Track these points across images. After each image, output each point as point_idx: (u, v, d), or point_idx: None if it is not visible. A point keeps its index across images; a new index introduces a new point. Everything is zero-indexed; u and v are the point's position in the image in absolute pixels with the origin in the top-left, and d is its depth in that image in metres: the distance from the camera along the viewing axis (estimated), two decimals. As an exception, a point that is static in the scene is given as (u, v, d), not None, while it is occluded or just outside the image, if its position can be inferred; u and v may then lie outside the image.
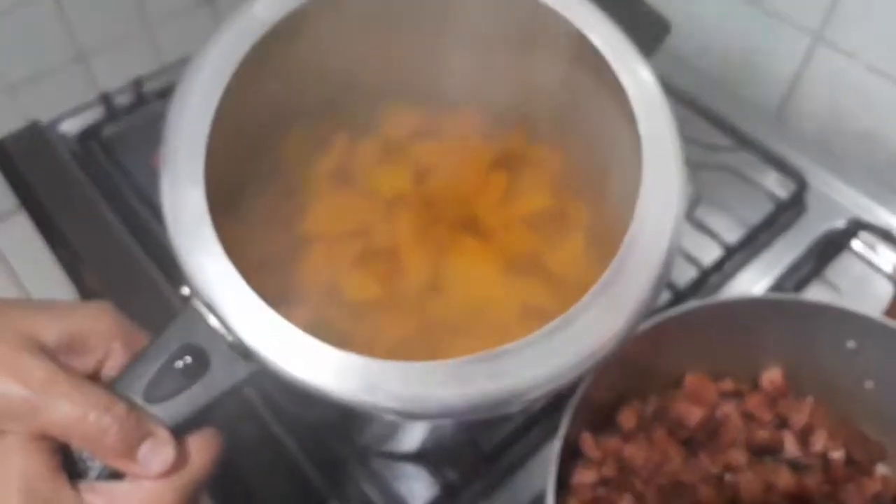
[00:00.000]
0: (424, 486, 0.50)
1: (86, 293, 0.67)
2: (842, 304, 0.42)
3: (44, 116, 0.67)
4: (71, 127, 0.68)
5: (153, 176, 0.65)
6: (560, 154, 0.44)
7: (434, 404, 0.30)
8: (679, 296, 0.59)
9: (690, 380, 0.46)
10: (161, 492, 0.28)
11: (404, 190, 0.44)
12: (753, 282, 0.62)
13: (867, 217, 0.66)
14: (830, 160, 0.71)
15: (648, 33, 0.40)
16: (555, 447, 0.39)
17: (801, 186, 0.67)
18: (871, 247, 0.65)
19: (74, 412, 0.26)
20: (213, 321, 0.29)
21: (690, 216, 0.65)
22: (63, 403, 0.26)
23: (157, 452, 0.28)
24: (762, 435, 0.45)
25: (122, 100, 0.69)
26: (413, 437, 0.45)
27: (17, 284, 0.98)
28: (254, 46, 0.35)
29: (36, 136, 0.66)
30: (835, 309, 0.42)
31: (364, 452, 0.50)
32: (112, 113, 0.68)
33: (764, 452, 0.46)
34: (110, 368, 0.30)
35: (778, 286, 0.61)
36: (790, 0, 0.71)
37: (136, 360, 0.30)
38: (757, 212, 0.66)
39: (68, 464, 0.28)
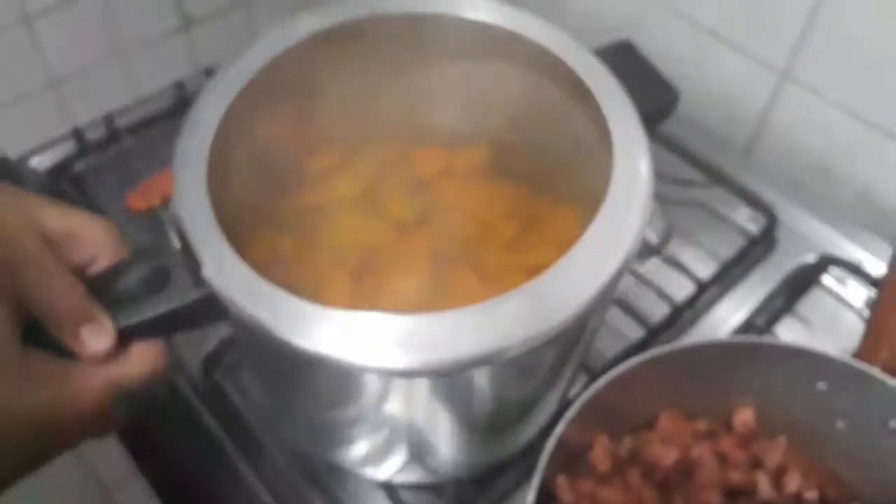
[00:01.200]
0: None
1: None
2: (812, 347, 0.42)
3: (13, 151, 0.67)
4: (41, 162, 0.67)
5: (126, 214, 0.65)
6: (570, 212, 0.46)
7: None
8: (652, 332, 0.59)
9: (664, 420, 0.46)
10: (91, 375, 0.32)
11: (416, 219, 0.47)
12: (726, 317, 0.63)
13: (837, 252, 0.67)
14: (800, 196, 0.72)
15: (660, 101, 0.41)
16: (530, 496, 0.39)
17: (772, 222, 0.68)
18: (842, 281, 0.66)
19: (42, 279, 0.32)
20: (177, 244, 0.34)
21: (662, 251, 0.66)
22: (37, 270, 0.31)
23: (96, 336, 0.32)
24: (736, 476, 0.45)
25: (94, 135, 0.68)
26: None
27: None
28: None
29: (5, 171, 0.65)
30: (805, 351, 0.42)
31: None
32: (83, 148, 0.67)
33: (738, 493, 0.46)
34: (91, 273, 0.35)
35: (750, 321, 0.61)
36: (758, 38, 0.72)
37: (110, 268, 0.35)
38: (728, 247, 0.67)
39: (33, 333, 0.32)
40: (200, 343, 0.56)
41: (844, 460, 0.46)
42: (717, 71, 0.77)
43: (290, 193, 0.46)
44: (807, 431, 0.46)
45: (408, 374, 0.33)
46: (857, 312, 0.63)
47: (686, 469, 0.46)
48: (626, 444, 0.47)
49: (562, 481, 0.44)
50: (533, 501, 0.38)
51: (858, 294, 0.64)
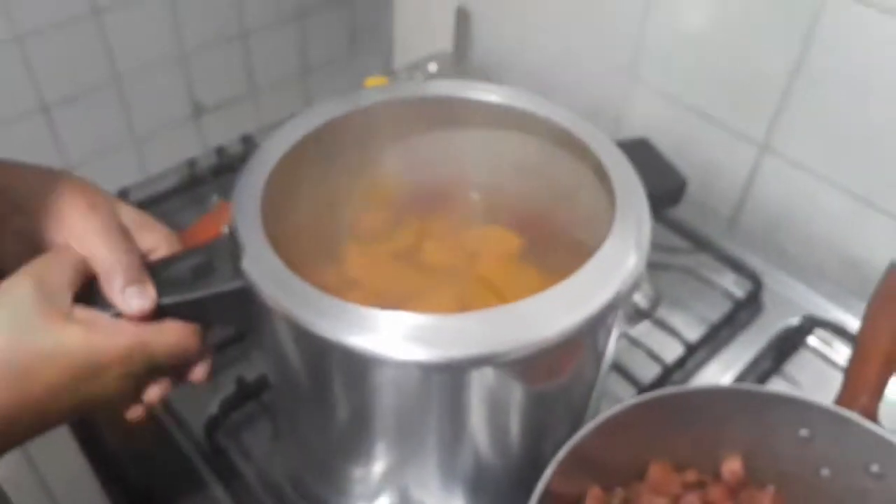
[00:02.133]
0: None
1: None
2: (792, 393, 0.44)
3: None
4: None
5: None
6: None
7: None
8: (643, 391, 0.60)
9: (654, 470, 0.47)
10: (124, 328, 0.37)
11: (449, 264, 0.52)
12: (715, 378, 0.64)
13: (822, 314, 0.69)
14: (784, 261, 0.75)
15: (670, 186, 0.45)
16: None
17: (757, 286, 0.71)
18: (827, 342, 0.67)
19: (110, 241, 0.39)
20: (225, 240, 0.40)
21: (652, 315, 0.68)
22: (107, 234, 0.39)
23: (139, 296, 0.38)
24: (725, 526, 0.46)
25: (139, 194, 0.72)
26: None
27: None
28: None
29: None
30: (788, 398, 0.44)
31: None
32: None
33: (729, 544, 0.46)
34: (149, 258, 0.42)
35: (740, 381, 0.63)
36: (737, 112, 0.77)
37: (165, 257, 0.41)
38: (716, 311, 0.69)
39: (84, 291, 0.38)
40: (204, 406, 0.58)
41: (831, 507, 0.47)
42: (701, 145, 0.81)
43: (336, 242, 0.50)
44: (794, 481, 0.47)
45: (409, 365, 0.36)
46: (843, 371, 0.64)
47: (678, 520, 0.47)
48: (618, 494, 0.48)
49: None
50: None
51: (844, 354, 0.66)
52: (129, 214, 0.42)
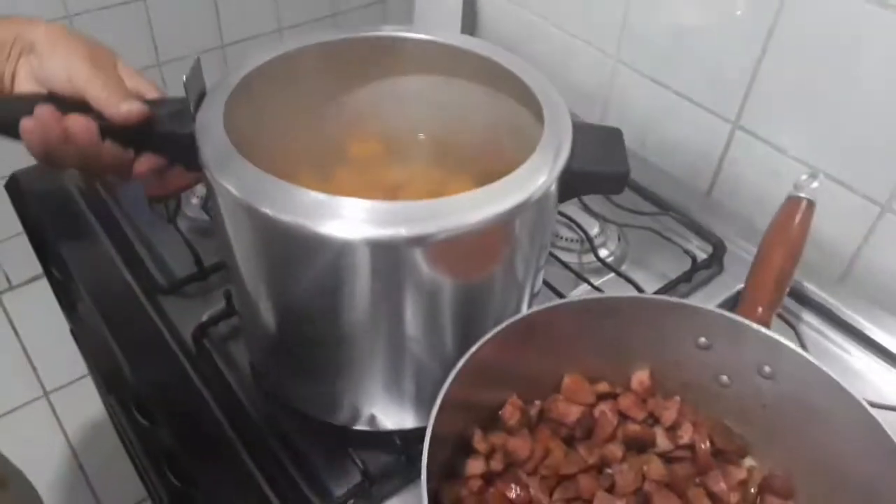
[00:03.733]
0: (346, 476, 0.56)
1: (73, 311, 0.75)
2: (689, 302, 0.48)
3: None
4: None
5: (147, 212, 0.75)
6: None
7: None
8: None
9: (568, 382, 0.52)
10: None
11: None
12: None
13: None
14: (750, 232, 0.78)
15: (616, 173, 0.50)
16: (427, 434, 0.42)
17: (720, 250, 0.75)
18: (785, 307, 0.71)
19: (100, 79, 0.47)
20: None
21: (618, 270, 0.73)
22: (103, 76, 0.48)
23: (127, 104, 0.46)
24: (635, 430, 0.50)
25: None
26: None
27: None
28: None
29: (46, 173, 0.77)
30: (683, 305, 0.48)
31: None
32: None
33: (638, 446, 0.51)
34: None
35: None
36: (712, 93, 0.81)
37: (152, 99, 0.49)
38: (678, 270, 0.73)
39: None
40: (194, 316, 0.65)
41: (734, 414, 0.50)
42: (679, 123, 0.86)
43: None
44: (697, 389, 0.51)
45: (338, 242, 0.42)
46: (796, 329, 0.68)
47: (589, 425, 0.51)
48: (536, 406, 0.53)
49: (476, 432, 0.50)
50: (426, 447, 0.41)
51: (804, 318, 0.69)
52: (124, 67, 0.51)
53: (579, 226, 0.76)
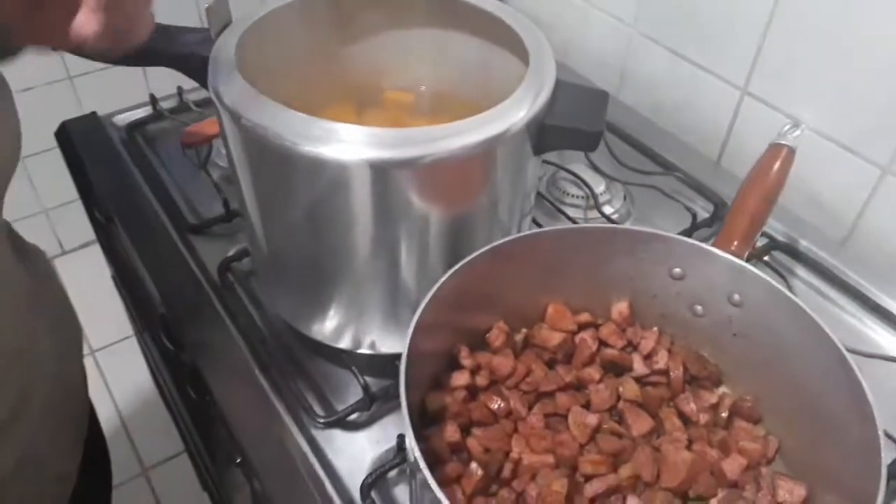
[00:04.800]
0: (349, 393, 0.61)
1: (114, 253, 0.82)
2: (663, 232, 0.52)
3: (101, 110, 0.85)
4: (123, 120, 0.85)
5: (181, 159, 0.81)
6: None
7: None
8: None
9: (551, 310, 0.55)
10: None
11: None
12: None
13: (781, 239, 0.75)
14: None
15: (590, 131, 0.53)
16: (405, 346, 0.45)
17: (723, 209, 0.77)
18: (783, 264, 0.73)
19: None
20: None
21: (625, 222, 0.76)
22: None
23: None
24: (613, 354, 0.53)
25: (166, 104, 0.86)
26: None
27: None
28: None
29: (94, 123, 0.84)
30: (657, 235, 0.51)
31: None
32: (157, 113, 0.85)
33: (615, 370, 0.54)
34: None
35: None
36: (720, 58, 0.84)
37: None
38: (680, 226, 0.76)
39: None
40: (220, 253, 0.71)
41: (708, 344, 0.53)
42: (688, 90, 0.89)
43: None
44: (674, 321, 0.54)
45: (346, 164, 0.46)
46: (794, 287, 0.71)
47: (570, 350, 0.54)
48: (522, 333, 0.57)
49: (462, 349, 0.54)
50: (403, 364, 0.44)
51: (799, 275, 0.72)
52: None
53: (585, 183, 0.79)
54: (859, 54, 0.71)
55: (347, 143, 0.46)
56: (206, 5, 0.52)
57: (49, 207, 1.79)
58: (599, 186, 0.80)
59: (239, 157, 0.52)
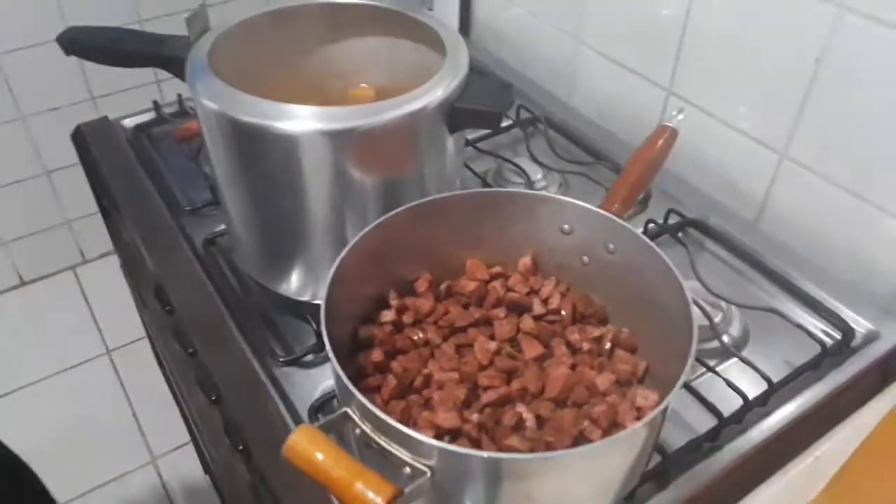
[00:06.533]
0: (307, 338, 0.72)
1: (119, 240, 0.95)
2: (553, 195, 0.63)
3: (111, 115, 0.99)
4: (130, 123, 0.99)
5: (179, 155, 0.94)
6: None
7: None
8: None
9: (469, 263, 0.66)
10: None
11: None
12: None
13: (694, 217, 0.86)
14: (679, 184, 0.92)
15: (500, 92, 0.65)
16: (326, 286, 0.56)
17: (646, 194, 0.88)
18: (693, 237, 0.84)
19: None
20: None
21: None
22: None
23: None
24: (515, 297, 0.64)
25: (168, 109, 1.00)
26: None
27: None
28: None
29: (104, 126, 0.98)
30: (551, 198, 0.63)
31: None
32: (161, 118, 0.99)
33: (518, 310, 0.65)
34: None
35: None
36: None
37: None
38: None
39: None
40: (207, 230, 0.83)
41: (597, 289, 0.64)
42: (631, 95, 1.00)
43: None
44: (568, 270, 0.65)
45: (294, 135, 0.59)
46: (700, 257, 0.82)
47: (482, 295, 0.66)
48: (445, 284, 0.68)
49: (392, 293, 0.65)
50: (325, 297, 0.55)
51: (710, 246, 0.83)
52: None
53: (525, 172, 0.91)
54: (755, 56, 0.82)
55: (295, 119, 0.59)
56: (186, 16, 0.65)
57: (71, 219, 1.94)
58: (537, 175, 0.91)
59: (209, 136, 0.65)
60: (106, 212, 0.95)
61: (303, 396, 0.68)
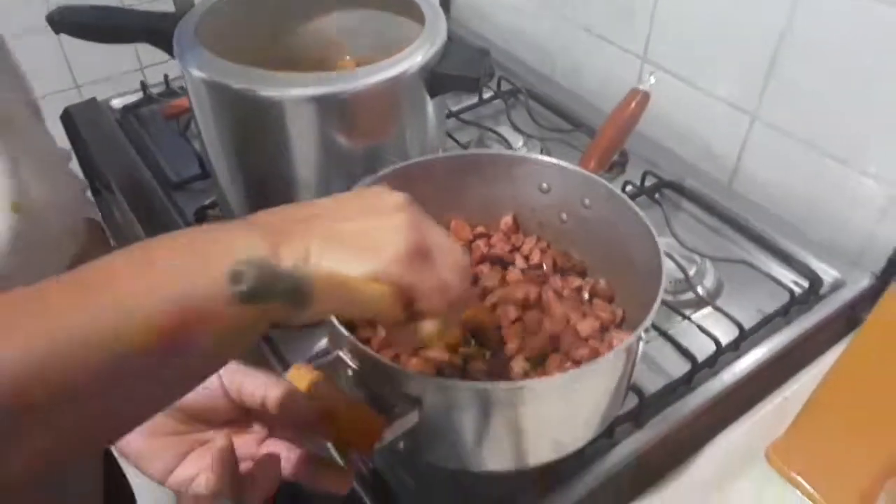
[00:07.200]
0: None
1: (111, 220, 0.97)
2: (532, 155, 0.66)
3: (100, 96, 1.01)
4: (118, 104, 1.01)
5: (167, 132, 0.96)
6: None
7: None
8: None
9: (454, 224, 0.69)
10: None
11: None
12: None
13: (669, 178, 0.89)
14: (654, 144, 0.95)
15: (477, 58, 0.68)
16: None
17: (623, 156, 0.91)
18: (668, 197, 0.88)
19: None
20: None
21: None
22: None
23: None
24: (498, 252, 0.68)
25: (155, 89, 1.02)
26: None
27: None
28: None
29: (93, 107, 0.99)
30: (529, 158, 0.66)
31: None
32: (149, 97, 1.01)
33: (502, 264, 0.68)
34: None
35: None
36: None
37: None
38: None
39: None
40: (197, 203, 0.85)
41: (576, 245, 0.67)
42: (604, 63, 1.03)
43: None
44: (548, 228, 0.68)
45: (279, 100, 0.62)
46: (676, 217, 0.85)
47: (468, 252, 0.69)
48: None
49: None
50: None
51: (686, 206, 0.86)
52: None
53: (506, 140, 0.93)
54: (726, 28, 0.85)
55: (281, 85, 0.61)
56: None
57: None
58: (518, 142, 0.94)
59: (198, 106, 0.67)
60: (97, 192, 0.97)
61: (305, 352, 0.70)
